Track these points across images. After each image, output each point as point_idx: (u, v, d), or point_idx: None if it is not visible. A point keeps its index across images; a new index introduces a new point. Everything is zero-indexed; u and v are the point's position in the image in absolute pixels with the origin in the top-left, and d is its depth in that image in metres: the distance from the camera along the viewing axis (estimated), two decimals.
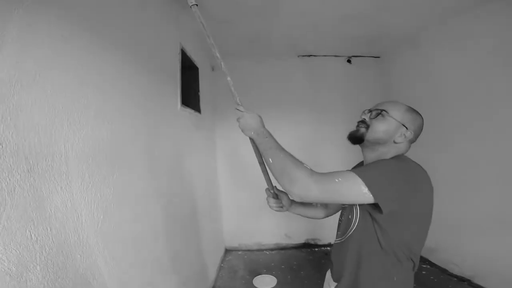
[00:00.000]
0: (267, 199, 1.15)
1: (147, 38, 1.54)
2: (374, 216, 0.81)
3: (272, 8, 2.25)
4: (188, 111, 2.23)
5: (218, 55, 1.01)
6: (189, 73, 2.56)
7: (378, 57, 3.52)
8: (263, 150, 0.90)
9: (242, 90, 3.16)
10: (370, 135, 0.89)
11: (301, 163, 0.81)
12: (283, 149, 0.86)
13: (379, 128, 0.88)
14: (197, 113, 2.51)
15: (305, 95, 3.48)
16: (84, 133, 0.94)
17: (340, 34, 2.82)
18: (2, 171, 0.64)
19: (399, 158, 0.85)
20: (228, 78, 1.02)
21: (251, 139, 0.98)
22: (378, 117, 0.89)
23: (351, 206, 0.93)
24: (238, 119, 0.98)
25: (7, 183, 0.65)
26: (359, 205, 0.88)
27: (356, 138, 0.92)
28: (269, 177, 1.05)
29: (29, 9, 0.74)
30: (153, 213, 1.44)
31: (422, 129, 0.91)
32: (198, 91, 2.64)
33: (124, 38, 1.27)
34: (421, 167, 0.82)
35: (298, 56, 3.45)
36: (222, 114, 3.41)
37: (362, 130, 0.91)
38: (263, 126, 0.95)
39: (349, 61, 3.47)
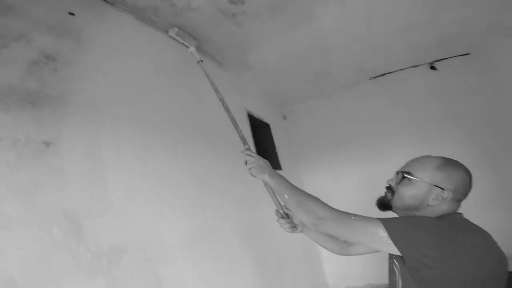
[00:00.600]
0: (277, 221, 1.12)
1: (218, 118, 1.90)
2: (415, 277, 0.73)
3: (323, 42, 2.37)
4: None
5: (226, 107, 1.25)
6: (260, 132, 2.82)
7: (467, 54, 2.92)
8: (279, 189, 0.95)
9: (316, 133, 3.35)
10: (397, 202, 0.84)
11: (316, 197, 0.87)
12: (296, 187, 0.93)
13: (405, 194, 0.81)
14: (278, 171, 2.66)
15: (389, 121, 3.17)
16: (182, 222, 1.36)
17: (407, 44, 2.63)
18: (130, 264, 1.05)
19: (442, 216, 0.77)
20: (240, 129, 1.20)
21: (264, 182, 1.03)
22: (403, 181, 0.82)
23: (391, 266, 0.85)
24: (249, 163, 1.02)
25: (136, 270, 1.06)
26: (398, 263, 0.80)
27: (383, 205, 0.88)
28: (276, 198, 1.07)
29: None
30: (246, 270, 1.70)
31: (470, 184, 0.79)
32: (274, 147, 2.82)
33: (200, 129, 1.69)
34: (478, 230, 0.73)
35: (370, 79, 3.29)
36: (305, 158, 3.47)
37: (389, 196, 0.87)
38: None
39: (432, 67, 3.05)
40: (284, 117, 3.61)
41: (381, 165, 2.91)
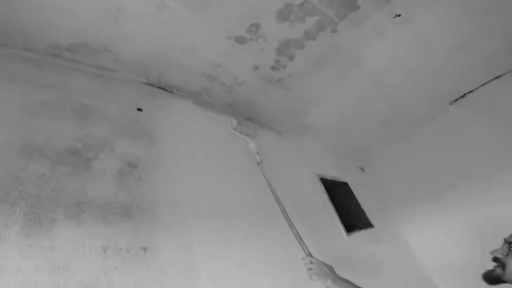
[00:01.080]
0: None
1: (298, 191, 1.86)
2: None
3: (380, 81, 2.23)
4: (358, 234, 2.15)
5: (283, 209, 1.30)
6: (339, 192, 2.63)
7: None
8: None
9: (402, 180, 2.91)
10: (509, 277, 0.80)
11: None
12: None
13: None
14: (370, 229, 2.37)
15: (487, 145, 2.52)
16: None
17: (475, 58, 2.29)
18: None
19: None
20: (294, 230, 1.25)
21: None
22: None
23: None
24: (311, 270, 1.08)
25: None
26: None
27: (492, 280, 0.85)
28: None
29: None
30: None
31: None
32: (359, 205, 2.55)
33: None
34: None
35: (450, 104, 2.85)
36: (396, 210, 2.98)
37: (498, 270, 0.84)
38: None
39: None
40: (363, 170, 3.32)
41: (489, 205, 2.34)
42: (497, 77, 2.62)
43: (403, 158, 3.03)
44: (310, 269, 1.10)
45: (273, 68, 1.74)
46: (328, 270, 1.06)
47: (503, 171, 2.36)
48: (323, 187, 2.25)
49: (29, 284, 0.75)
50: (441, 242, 2.59)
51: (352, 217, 2.46)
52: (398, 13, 1.62)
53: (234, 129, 1.85)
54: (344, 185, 2.65)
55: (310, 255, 1.17)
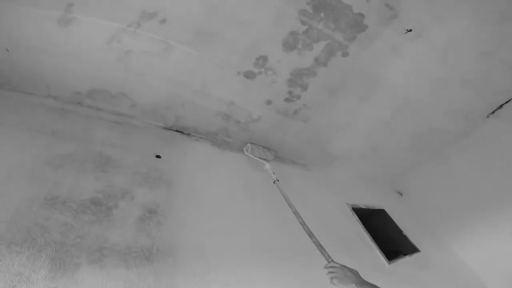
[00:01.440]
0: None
1: (330, 224, 1.79)
2: None
3: (406, 100, 2.13)
4: (402, 261, 1.99)
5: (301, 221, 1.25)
6: (375, 221, 2.47)
7: None
8: None
9: (447, 199, 2.72)
10: None
11: None
12: None
13: None
14: (415, 254, 2.17)
15: None
16: None
17: (506, 63, 2.15)
18: None
19: None
20: (313, 239, 1.20)
21: None
22: None
23: None
24: (333, 274, 1.04)
25: None
26: None
27: None
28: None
29: None
30: None
31: None
32: (400, 231, 2.37)
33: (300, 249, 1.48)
34: None
35: (487, 117, 2.63)
36: (443, 231, 2.69)
37: None
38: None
39: None
40: (401, 194, 3.10)
41: None
42: None
43: (443, 177, 2.81)
44: (332, 273, 1.05)
45: (287, 100, 1.74)
46: (352, 274, 1.03)
47: None
48: (357, 216, 2.13)
49: None
50: (499, 260, 2.31)
51: (394, 244, 2.30)
52: (409, 28, 1.60)
53: (250, 152, 1.84)
54: (381, 212, 2.50)
55: (332, 261, 1.13)
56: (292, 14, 1.36)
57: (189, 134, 1.73)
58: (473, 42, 1.85)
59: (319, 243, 1.26)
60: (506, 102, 2.55)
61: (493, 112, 2.62)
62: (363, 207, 2.33)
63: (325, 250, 1.22)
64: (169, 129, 1.67)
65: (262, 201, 1.70)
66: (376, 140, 2.42)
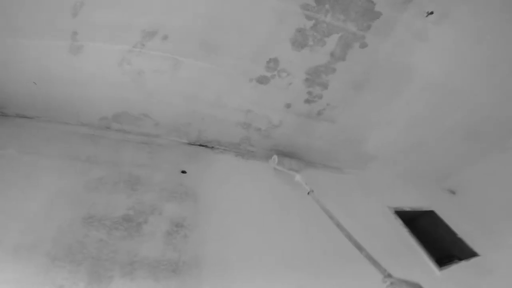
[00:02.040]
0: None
1: (369, 230, 1.68)
2: None
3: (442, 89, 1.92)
4: (456, 267, 1.83)
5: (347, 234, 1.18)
6: (423, 223, 2.29)
7: None
8: None
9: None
10: None
11: None
12: None
13: None
14: (474, 259, 1.97)
15: None
16: None
17: None
18: None
19: None
20: (363, 253, 1.11)
21: None
22: None
23: None
24: None
25: None
26: None
27: None
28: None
29: None
30: None
31: None
32: (454, 234, 2.15)
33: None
34: None
35: None
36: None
37: None
38: None
39: None
40: (453, 192, 2.81)
41: None
42: None
43: (504, 170, 2.48)
44: None
45: (307, 101, 1.71)
46: None
47: None
48: (400, 220, 1.99)
49: None
50: None
51: (447, 248, 2.10)
52: (430, 11, 1.47)
53: (277, 164, 1.81)
54: (430, 213, 2.30)
55: (389, 275, 1.04)
56: (295, 10, 1.34)
57: (212, 147, 1.79)
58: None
59: (370, 256, 1.17)
60: None
61: None
62: (407, 209, 2.17)
63: (378, 263, 1.13)
64: (192, 144, 1.75)
65: (293, 210, 1.67)
66: (418, 135, 2.22)
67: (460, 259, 1.94)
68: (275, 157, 1.84)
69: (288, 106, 1.69)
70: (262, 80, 1.54)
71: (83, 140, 1.49)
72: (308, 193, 1.56)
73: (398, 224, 1.95)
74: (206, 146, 1.77)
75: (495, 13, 1.56)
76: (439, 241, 2.18)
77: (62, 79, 1.36)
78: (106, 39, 1.28)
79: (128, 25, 1.25)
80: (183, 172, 1.56)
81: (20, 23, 1.17)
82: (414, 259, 1.74)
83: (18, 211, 1.09)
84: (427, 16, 1.48)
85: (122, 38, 1.29)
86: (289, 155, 1.98)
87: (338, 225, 1.29)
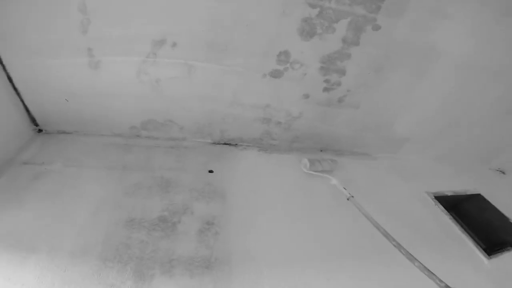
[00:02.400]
0: None
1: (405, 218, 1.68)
2: None
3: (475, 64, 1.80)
4: (508, 256, 1.70)
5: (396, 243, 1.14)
6: (470, 208, 2.15)
7: None
8: None
9: None
10: None
11: None
12: None
13: None
14: None
15: None
16: None
17: None
18: None
19: None
20: (417, 263, 1.09)
21: None
22: None
23: None
24: None
25: None
26: None
27: None
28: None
29: None
30: None
31: None
32: (506, 217, 1.99)
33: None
34: None
35: None
36: None
37: None
38: None
39: None
40: (503, 172, 2.61)
41: None
42: None
43: None
44: None
45: (326, 89, 1.69)
46: None
47: None
48: (441, 206, 1.89)
49: None
50: None
51: (498, 234, 1.94)
52: None
53: (309, 169, 1.80)
54: (476, 197, 2.15)
55: (447, 286, 1.00)
56: (297, 0, 1.33)
57: (236, 144, 1.86)
58: None
59: (424, 266, 1.14)
60: None
61: None
62: (449, 194, 2.05)
63: (434, 273, 1.09)
64: (217, 144, 1.84)
65: (321, 203, 1.66)
66: (453, 115, 2.07)
67: None
68: (305, 161, 1.82)
69: (306, 96, 1.70)
70: (276, 74, 1.55)
71: (118, 149, 1.64)
72: (348, 199, 1.54)
73: (439, 210, 1.86)
74: (229, 144, 1.84)
75: None
76: (487, 227, 2.03)
77: (89, 93, 1.49)
78: (119, 52, 1.37)
79: (137, 37, 1.33)
80: (210, 171, 1.64)
81: (36, 43, 1.28)
82: (459, 248, 1.65)
83: (70, 218, 1.23)
84: None
85: (134, 50, 1.37)
86: (314, 146, 1.98)
87: (386, 235, 1.27)
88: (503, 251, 1.70)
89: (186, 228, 1.33)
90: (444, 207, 1.88)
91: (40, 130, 1.62)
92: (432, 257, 1.40)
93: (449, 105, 1.99)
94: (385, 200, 1.80)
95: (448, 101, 1.96)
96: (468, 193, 2.13)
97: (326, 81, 1.64)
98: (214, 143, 1.83)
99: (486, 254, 1.61)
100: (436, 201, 1.92)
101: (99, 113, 1.59)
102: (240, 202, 1.53)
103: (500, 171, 2.62)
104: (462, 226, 1.76)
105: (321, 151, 2.07)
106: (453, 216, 1.82)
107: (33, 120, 1.58)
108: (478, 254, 1.62)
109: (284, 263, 1.32)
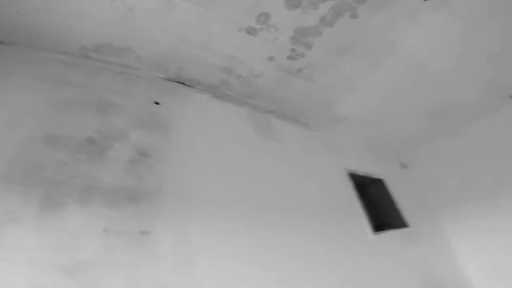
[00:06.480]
0: None
1: (323, 186, 1.96)
2: None
3: (423, 68, 2.13)
4: (387, 234, 2.07)
5: None
6: (371, 190, 2.52)
7: None
8: None
9: (455, 178, 2.75)
10: None
11: None
12: None
13: None
14: (403, 229, 2.26)
15: None
16: None
17: None
18: None
19: None
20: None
21: None
22: None
23: None
24: None
25: None
26: None
27: None
28: None
29: None
30: None
31: None
32: (394, 204, 2.42)
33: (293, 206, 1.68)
34: None
35: (510, 97, 2.46)
36: (444, 209, 2.76)
37: None
38: None
39: None
40: (405, 166, 3.09)
41: None
42: None
43: (453, 155, 2.75)
44: None
45: (290, 57, 1.71)
46: None
47: None
48: (352, 182, 2.17)
49: (37, 259, 0.90)
50: (487, 245, 2.37)
51: (386, 216, 2.35)
52: None
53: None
54: (379, 181, 2.51)
55: None
56: None
57: (191, 86, 1.78)
58: (505, 17, 1.69)
59: None
60: None
61: None
62: (361, 174, 2.35)
63: None
64: (171, 80, 1.74)
65: (263, 157, 1.80)
66: (387, 107, 2.36)
67: (393, 228, 2.18)
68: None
69: (271, 58, 1.70)
70: (251, 31, 1.53)
71: (59, 65, 1.43)
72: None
73: (349, 186, 2.14)
74: (184, 83, 1.76)
75: (489, 9, 1.62)
76: (381, 208, 2.40)
77: (48, 10, 1.28)
78: None
79: None
80: (156, 103, 1.57)
81: None
82: (356, 220, 1.95)
83: None
84: (425, 0, 1.56)
85: None
86: (265, 106, 2.09)
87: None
88: (385, 230, 2.07)
89: (117, 154, 1.24)
90: (356, 184, 2.16)
91: None
92: (330, 223, 1.70)
93: (388, 98, 2.24)
94: (309, 166, 2.02)
95: (389, 96, 2.20)
96: (374, 176, 2.48)
97: (293, 50, 1.67)
98: (168, 79, 1.74)
99: (373, 231, 1.93)
100: (350, 177, 2.20)
101: (50, 29, 1.37)
102: (183, 140, 1.51)
103: (403, 164, 3.09)
104: (362, 203, 2.06)
105: (269, 112, 2.21)
106: (359, 193, 2.12)
107: None
108: (367, 229, 1.94)
109: (218, 206, 1.37)
